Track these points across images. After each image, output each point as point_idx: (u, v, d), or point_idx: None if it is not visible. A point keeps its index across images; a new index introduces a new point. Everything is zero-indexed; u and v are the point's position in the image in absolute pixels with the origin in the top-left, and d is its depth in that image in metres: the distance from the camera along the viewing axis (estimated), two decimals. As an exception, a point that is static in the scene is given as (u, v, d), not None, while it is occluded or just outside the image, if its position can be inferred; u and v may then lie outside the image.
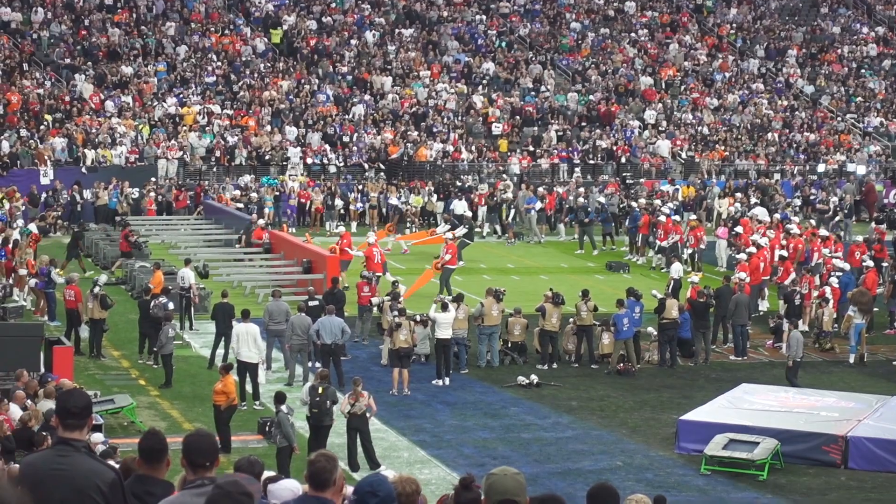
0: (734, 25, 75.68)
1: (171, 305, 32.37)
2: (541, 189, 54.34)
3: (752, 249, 39.23)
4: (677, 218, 48.15)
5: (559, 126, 63.86)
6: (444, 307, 31.49)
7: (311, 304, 32.09)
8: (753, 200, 53.80)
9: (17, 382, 24.24)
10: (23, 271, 38.01)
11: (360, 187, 56.03)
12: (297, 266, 41.36)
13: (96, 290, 32.83)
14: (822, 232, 44.42)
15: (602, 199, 51.86)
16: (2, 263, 39.41)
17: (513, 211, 52.80)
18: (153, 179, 54.36)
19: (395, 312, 31.31)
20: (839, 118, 68.54)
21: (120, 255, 43.42)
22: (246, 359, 28.90)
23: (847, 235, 50.13)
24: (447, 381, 31.01)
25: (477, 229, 50.82)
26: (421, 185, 56.79)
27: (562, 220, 54.05)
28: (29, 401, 22.65)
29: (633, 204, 50.49)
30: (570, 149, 62.30)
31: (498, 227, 53.36)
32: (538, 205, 52.75)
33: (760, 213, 48.60)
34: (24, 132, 56.13)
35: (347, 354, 32.18)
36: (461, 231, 45.14)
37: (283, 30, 67.66)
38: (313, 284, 36.44)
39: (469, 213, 50.80)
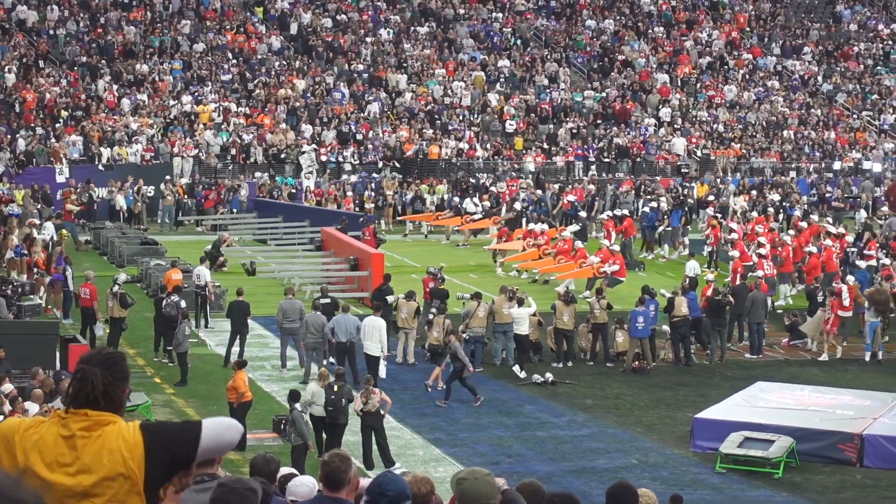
0: (751, 20, 75.42)
1: (183, 304, 32.21)
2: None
3: (763, 251, 39.09)
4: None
5: (574, 123, 63.83)
6: (521, 302, 32.01)
7: (322, 301, 32.12)
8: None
9: (33, 381, 24.26)
10: (35, 269, 37.99)
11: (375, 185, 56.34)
12: (345, 263, 41.30)
13: (115, 288, 32.80)
14: (831, 229, 44.25)
15: (647, 210, 52.22)
16: (21, 260, 39.44)
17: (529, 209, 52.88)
18: (167, 178, 54.29)
19: (434, 310, 32.37)
20: (855, 115, 68.38)
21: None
22: (367, 350, 29.55)
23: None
24: (524, 373, 31.34)
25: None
26: (436, 182, 56.82)
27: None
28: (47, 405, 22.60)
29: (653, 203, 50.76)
30: (585, 146, 62.27)
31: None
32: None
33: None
34: (39, 130, 56.24)
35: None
36: (574, 228, 46.11)
37: (266, 6, 68.08)
38: (359, 281, 36.57)
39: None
